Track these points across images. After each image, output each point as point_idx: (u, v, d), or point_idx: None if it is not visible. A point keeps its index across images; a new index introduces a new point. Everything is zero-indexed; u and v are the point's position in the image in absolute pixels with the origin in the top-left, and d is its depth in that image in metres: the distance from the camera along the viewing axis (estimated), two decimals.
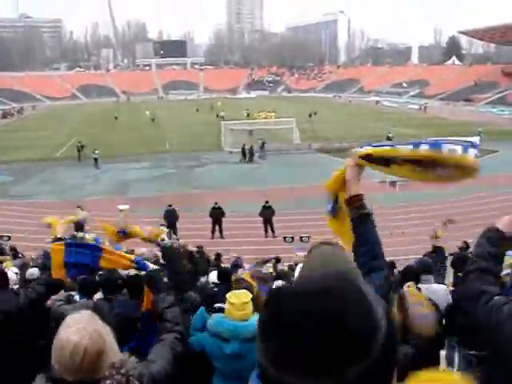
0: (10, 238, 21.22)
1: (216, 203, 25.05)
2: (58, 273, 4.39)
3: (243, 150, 44.16)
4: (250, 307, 4.19)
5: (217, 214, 24.89)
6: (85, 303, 6.25)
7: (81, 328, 2.22)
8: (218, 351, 4.09)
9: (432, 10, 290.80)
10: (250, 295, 4.29)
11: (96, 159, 42.03)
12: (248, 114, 69.55)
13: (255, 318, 4.09)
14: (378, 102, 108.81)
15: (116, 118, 78.95)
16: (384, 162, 2.57)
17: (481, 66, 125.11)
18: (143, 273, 4.24)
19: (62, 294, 8.20)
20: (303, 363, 1.03)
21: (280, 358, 1.07)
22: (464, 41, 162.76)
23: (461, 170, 2.59)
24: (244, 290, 4.37)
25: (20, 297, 4.53)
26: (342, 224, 2.75)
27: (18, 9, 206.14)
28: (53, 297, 7.03)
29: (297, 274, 4.94)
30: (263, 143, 46.03)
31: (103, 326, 2.31)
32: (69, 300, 7.17)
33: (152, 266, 4.34)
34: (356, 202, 2.54)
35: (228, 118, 62.29)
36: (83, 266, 4.39)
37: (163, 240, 4.90)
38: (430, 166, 2.50)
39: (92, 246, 4.57)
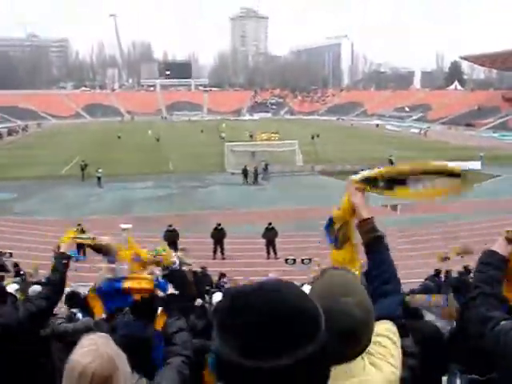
0: (11, 254, 21.18)
1: (219, 224, 25.05)
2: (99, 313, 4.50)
3: (244, 171, 44.21)
4: None
5: (218, 235, 24.89)
6: (86, 321, 6.21)
7: (93, 350, 2.17)
8: None
9: (434, 35, 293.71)
10: None
11: (99, 178, 42.13)
12: (251, 136, 69.69)
13: None
14: (377, 125, 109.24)
15: (119, 137, 79.32)
16: (385, 184, 2.68)
17: (482, 91, 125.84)
18: (160, 294, 4.25)
19: (64, 311, 8.20)
20: (264, 348, 1.26)
21: (243, 346, 1.27)
22: (466, 66, 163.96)
23: (449, 183, 2.70)
24: None
25: (19, 310, 4.47)
26: (346, 254, 2.75)
27: (25, 28, 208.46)
28: (57, 314, 7.03)
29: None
30: (266, 165, 46.08)
31: (117, 350, 2.26)
32: (70, 318, 7.14)
33: (170, 289, 4.36)
34: (367, 225, 2.55)
35: (231, 139, 62.45)
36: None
37: (174, 263, 4.88)
38: (419, 181, 2.68)
39: (119, 287, 4.63)
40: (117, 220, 25.96)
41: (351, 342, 1.77)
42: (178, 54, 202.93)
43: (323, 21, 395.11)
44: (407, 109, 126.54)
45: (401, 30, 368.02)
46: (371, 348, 1.90)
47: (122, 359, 2.25)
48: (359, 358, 1.82)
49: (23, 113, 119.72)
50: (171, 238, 22.74)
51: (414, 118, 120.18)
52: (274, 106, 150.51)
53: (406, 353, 3.82)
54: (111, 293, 4.52)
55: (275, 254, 24.67)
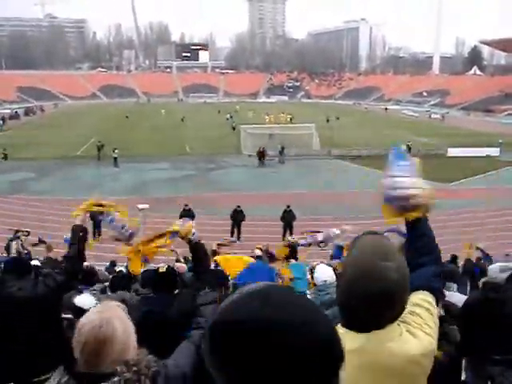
0: (29, 233, 21.24)
1: (238, 206, 25.14)
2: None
3: (258, 153, 44.34)
4: None
5: (238, 217, 24.99)
6: (121, 294, 6.20)
7: (97, 312, 2.22)
8: None
9: (454, 19, 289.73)
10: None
11: (116, 158, 42.28)
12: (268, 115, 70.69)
13: None
14: (386, 108, 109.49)
15: (127, 117, 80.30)
16: None
17: (503, 76, 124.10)
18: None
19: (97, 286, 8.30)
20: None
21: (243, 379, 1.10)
22: (486, 51, 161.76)
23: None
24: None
25: (38, 285, 4.56)
26: None
27: (43, 9, 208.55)
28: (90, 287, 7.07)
29: (319, 274, 4.91)
30: (283, 148, 45.94)
31: (124, 318, 2.26)
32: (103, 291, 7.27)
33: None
34: None
35: (246, 121, 62.39)
36: None
37: (193, 234, 4.82)
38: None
39: None
40: (133, 200, 26.05)
41: (388, 306, 1.79)
42: (195, 35, 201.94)
43: (342, 4, 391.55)
44: (425, 94, 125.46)
45: (420, 14, 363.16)
46: (407, 317, 1.93)
47: (125, 328, 2.24)
48: (395, 325, 1.85)
49: (40, 93, 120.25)
50: (187, 217, 22.78)
51: (432, 103, 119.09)
52: (290, 89, 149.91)
53: (445, 338, 3.69)
54: None
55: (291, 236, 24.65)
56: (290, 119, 73.72)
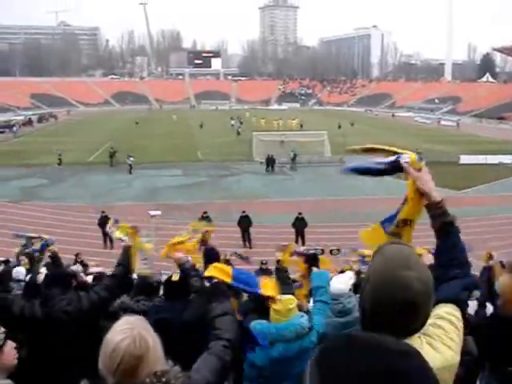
0: (42, 239, 21.31)
1: (243, 211, 25.12)
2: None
3: (267, 160, 44.52)
4: (295, 312, 4.16)
5: (244, 223, 24.95)
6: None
7: (126, 329, 2.19)
8: (264, 357, 3.99)
9: (466, 26, 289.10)
10: (296, 300, 4.23)
11: (131, 165, 42.51)
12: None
13: (298, 317, 4.12)
14: (393, 114, 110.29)
15: (137, 123, 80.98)
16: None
17: None
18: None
19: None
20: None
21: None
22: (498, 58, 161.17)
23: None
24: (289, 296, 4.28)
25: (82, 300, 4.71)
26: (404, 236, 2.62)
27: (57, 17, 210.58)
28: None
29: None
30: (295, 155, 45.94)
31: (151, 332, 2.26)
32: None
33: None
34: (438, 209, 2.41)
35: (260, 128, 62.69)
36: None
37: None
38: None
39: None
40: (145, 207, 26.12)
41: (410, 316, 1.78)
42: (207, 43, 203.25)
43: (353, 11, 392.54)
44: (437, 101, 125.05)
45: (432, 21, 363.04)
46: (428, 329, 1.92)
47: (155, 341, 2.24)
48: (416, 336, 1.84)
49: (53, 100, 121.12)
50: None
51: (444, 110, 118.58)
52: (302, 97, 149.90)
53: (464, 350, 3.59)
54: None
55: (304, 243, 24.53)
56: (300, 125, 73.92)
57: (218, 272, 4.13)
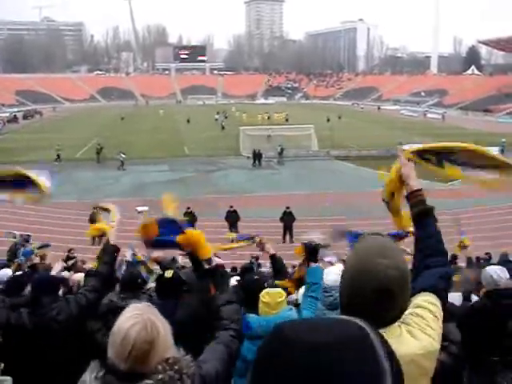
0: (29, 237, 21.27)
1: (231, 206, 25.23)
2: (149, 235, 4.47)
3: (254, 154, 44.69)
4: (284, 305, 4.22)
5: (232, 218, 25.08)
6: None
7: (136, 315, 2.19)
8: (253, 350, 3.98)
9: (452, 19, 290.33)
10: (284, 294, 4.29)
11: (122, 161, 42.60)
12: (268, 118, 72.11)
13: (286, 310, 4.17)
14: (379, 107, 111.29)
15: (122, 118, 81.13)
16: (437, 161, 2.69)
17: (501, 76, 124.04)
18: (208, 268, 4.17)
19: None
20: None
21: None
22: (484, 51, 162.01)
23: (503, 176, 2.73)
24: (278, 289, 4.35)
25: (71, 305, 4.60)
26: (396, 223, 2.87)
27: (40, 12, 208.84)
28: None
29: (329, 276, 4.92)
30: (282, 149, 46.12)
31: (160, 317, 2.26)
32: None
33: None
34: (416, 197, 2.51)
35: (245, 122, 62.83)
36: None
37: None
38: (476, 168, 2.71)
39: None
40: (132, 202, 26.12)
41: (386, 303, 1.79)
42: (193, 37, 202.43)
43: (339, 4, 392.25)
44: (423, 94, 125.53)
45: (417, 14, 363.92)
46: (408, 318, 1.94)
47: (165, 326, 2.24)
48: (395, 325, 1.87)
49: (38, 96, 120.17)
50: (189, 221, 22.83)
51: (430, 103, 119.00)
52: (289, 91, 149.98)
53: (447, 338, 3.74)
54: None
55: (291, 238, 24.65)
56: (286, 119, 74.13)
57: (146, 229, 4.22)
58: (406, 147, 2.82)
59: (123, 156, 42.75)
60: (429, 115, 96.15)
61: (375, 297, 1.77)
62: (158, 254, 8.95)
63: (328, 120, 73.14)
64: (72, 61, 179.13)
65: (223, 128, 66.37)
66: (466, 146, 2.73)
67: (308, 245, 5.48)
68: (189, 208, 24.37)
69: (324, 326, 1.17)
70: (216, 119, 76.90)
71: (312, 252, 5.37)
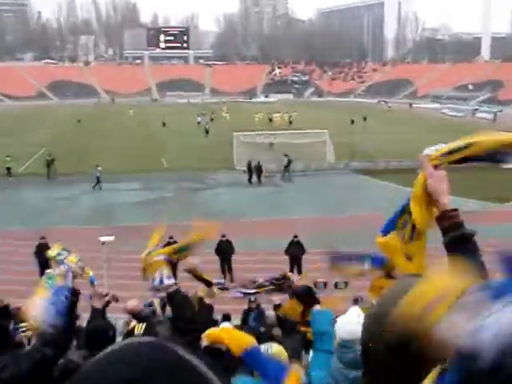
0: None
1: (223, 235, 25.05)
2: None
3: (252, 168, 44.82)
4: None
5: (224, 250, 24.92)
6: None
7: None
8: None
9: None
10: (285, 353, 4.38)
11: (98, 178, 42.17)
12: (270, 120, 73.67)
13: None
14: (411, 104, 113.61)
15: (79, 121, 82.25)
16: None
17: None
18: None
19: None
20: None
21: None
22: None
23: None
24: (280, 348, 4.46)
25: (21, 361, 4.55)
26: (413, 250, 2.78)
27: None
28: None
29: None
30: (289, 161, 45.79)
31: None
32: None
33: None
34: (450, 219, 2.43)
35: (236, 125, 62.90)
36: None
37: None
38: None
39: None
40: (94, 231, 26.22)
41: (401, 359, 1.70)
42: (172, 17, 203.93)
43: None
44: (471, 87, 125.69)
45: None
46: None
47: None
48: None
49: None
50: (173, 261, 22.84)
51: (481, 98, 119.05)
52: (296, 85, 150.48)
53: None
54: None
55: (300, 275, 24.68)
56: (290, 121, 74.53)
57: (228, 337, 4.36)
58: (429, 151, 2.76)
59: (99, 169, 42.41)
60: (479, 114, 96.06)
61: (387, 350, 1.73)
62: (133, 303, 9.08)
63: (352, 122, 73.65)
64: (13, 46, 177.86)
65: (207, 133, 66.95)
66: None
67: (296, 290, 5.45)
68: (171, 237, 24.34)
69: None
70: (198, 122, 77.73)
71: (304, 295, 5.26)
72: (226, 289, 8.79)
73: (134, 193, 41.25)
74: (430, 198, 2.58)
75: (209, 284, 7.10)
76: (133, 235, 28.33)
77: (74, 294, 5.05)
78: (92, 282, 6.10)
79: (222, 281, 9.12)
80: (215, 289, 7.10)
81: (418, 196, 2.66)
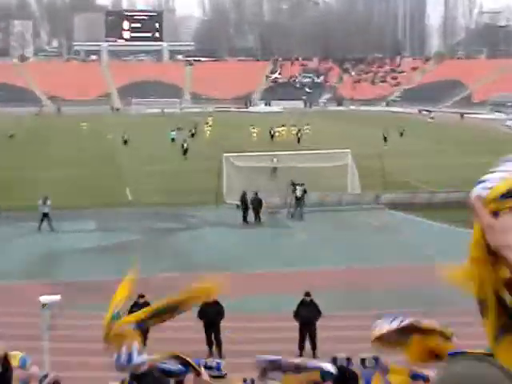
0: None
1: (141, 295, 24.87)
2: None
3: (244, 199, 44.39)
4: None
5: (211, 314, 24.84)
6: None
7: None
8: None
9: None
10: None
11: (46, 214, 41.94)
12: (272, 135, 73.01)
13: None
14: (462, 115, 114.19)
15: (11, 136, 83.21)
16: None
17: None
18: None
19: None
20: None
21: None
22: None
23: None
24: None
25: None
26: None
27: None
28: None
29: None
30: (304, 191, 45.41)
31: None
32: None
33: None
34: None
35: (233, 146, 62.99)
36: None
37: None
38: None
39: None
40: (33, 288, 26.16)
41: None
42: None
43: None
44: None
45: None
46: None
47: None
48: None
49: None
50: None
51: None
52: (307, 89, 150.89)
53: None
54: None
55: (314, 347, 24.58)
56: (298, 138, 74.78)
57: None
58: (483, 188, 2.51)
59: (49, 204, 42.20)
60: None
61: None
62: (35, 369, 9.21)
63: (385, 139, 73.82)
64: None
65: (185, 153, 66.87)
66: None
67: (324, 371, 5.45)
68: (142, 296, 24.19)
69: None
70: (173, 139, 78.12)
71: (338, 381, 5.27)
72: (223, 377, 8.72)
73: (88, 236, 41.15)
74: (494, 257, 2.31)
75: (196, 372, 6.79)
76: (86, 294, 28.31)
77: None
78: (23, 366, 6.12)
79: (217, 363, 8.95)
80: (206, 376, 6.86)
81: (475, 257, 2.39)
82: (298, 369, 10.92)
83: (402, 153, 66.75)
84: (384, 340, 3.20)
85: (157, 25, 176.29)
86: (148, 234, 41.69)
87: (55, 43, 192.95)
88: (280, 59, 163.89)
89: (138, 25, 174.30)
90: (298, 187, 45.47)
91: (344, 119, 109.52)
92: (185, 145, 69.58)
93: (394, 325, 3.26)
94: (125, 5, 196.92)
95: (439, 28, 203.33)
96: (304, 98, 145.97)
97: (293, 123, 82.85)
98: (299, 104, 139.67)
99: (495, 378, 1.77)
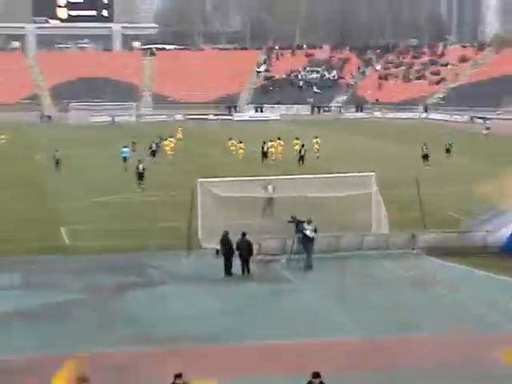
0: None
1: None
2: None
3: (227, 243, 43.82)
4: None
5: None
6: None
7: None
8: None
9: None
10: None
11: None
12: (264, 154, 73.20)
13: None
14: (487, 128, 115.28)
15: None
16: None
17: None
18: None
19: None
20: None
21: None
22: None
23: None
24: None
25: None
26: None
27: None
28: None
29: None
30: (315, 229, 44.67)
31: None
32: None
33: None
34: None
35: (211, 169, 63.06)
36: None
37: None
38: None
39: None
40: None
41: None
42: None
43: None
44: None
45: None
46: None
47: None
48: None
49: None
50: None
51: None
52: (314, 89, 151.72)
53: None
54: None
55: None
56: (301, 157, 75.03)
57: None
58: None
59: None
60: None
61: None
62: None
63: (425, 157, 74.07)
64: None
65: (141, 177, 66.79)
66: None
67: None
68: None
69: None
70: (125, 158, 78.02)
71: None
72: None
73: (8, 295, 40.95)
74: None
75: None
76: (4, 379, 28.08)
77: None
78: None
79: None
80: None
81: None
82: None
83: (447, 177, 67.13)
84: None
85: (104, 1, 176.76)
86: (90, 293, 41.40)
87: None
88: (276, 47, 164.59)
89: (79, 2, 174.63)
90: (305, 225, 45.04)
91: (366, 130, 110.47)
92: (140, 166, 68.62)
93: None
94: None
95: (497, 5, 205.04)
96: (310, 101, 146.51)
97: (295, 136, 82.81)
98: (303, 109, 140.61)
99: None
